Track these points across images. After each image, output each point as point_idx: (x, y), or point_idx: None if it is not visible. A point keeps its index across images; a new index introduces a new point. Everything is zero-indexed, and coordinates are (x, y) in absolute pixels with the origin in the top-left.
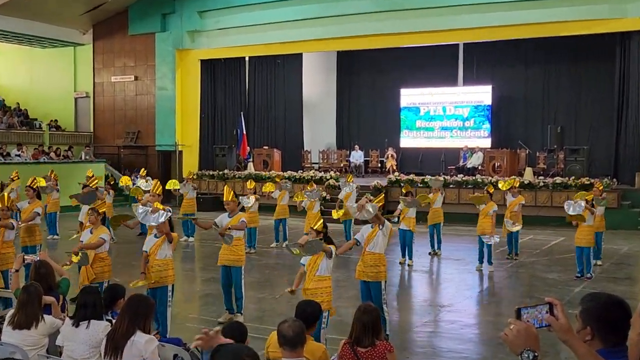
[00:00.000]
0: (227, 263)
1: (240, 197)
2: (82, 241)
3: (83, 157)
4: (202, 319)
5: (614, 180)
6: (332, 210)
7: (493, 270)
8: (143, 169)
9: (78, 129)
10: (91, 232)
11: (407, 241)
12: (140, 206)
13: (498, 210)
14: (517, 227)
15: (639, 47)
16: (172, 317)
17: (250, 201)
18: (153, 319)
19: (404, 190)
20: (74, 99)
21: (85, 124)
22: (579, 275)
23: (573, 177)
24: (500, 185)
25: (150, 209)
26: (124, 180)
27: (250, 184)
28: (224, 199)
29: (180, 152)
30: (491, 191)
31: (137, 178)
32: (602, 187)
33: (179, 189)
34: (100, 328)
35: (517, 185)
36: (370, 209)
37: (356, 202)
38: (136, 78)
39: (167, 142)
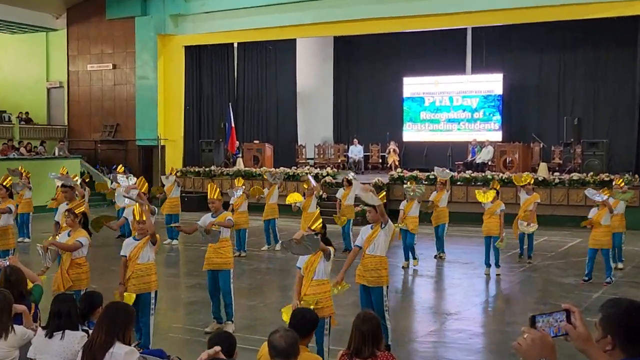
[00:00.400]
0: (214, 267)
1: (228, 190)
2: None
3: (57, 153)
4: (187, 329)
5: (636, 176)
6: (334, 216)
7: (500, 273)
8: (120, 165)
9: (51, 122)
10: (69, 235)
11: (408, 242)
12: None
13: (508, 210)
14: (533, 228)
15: None
16: (155, 327)
17: (238, 193)
18: (133, 329)
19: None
20: (47, 90)
21: (58, 117)
22: (587, 279)
23: (591, 173)
24: (514, 180)
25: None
26: (100, 187)
27: (238, 182)
28: (209, 197)
29: (163, 147)
30: (498, 188)
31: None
32: (623, 183)
33: (163, 192)
34: (75, 339)
35: (532, 182)
36: (376, 200)
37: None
38: (114, 66)
39: (148, 136)
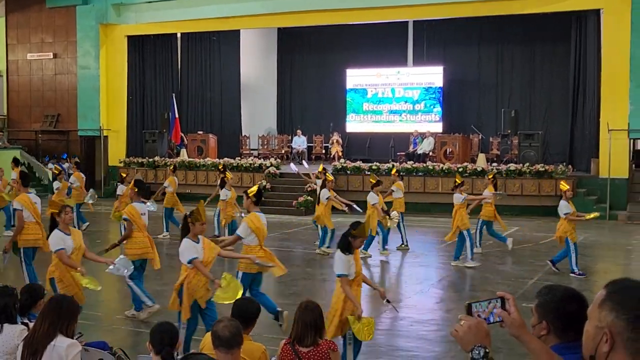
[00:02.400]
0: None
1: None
2: None
3: None
4: (130, 321)
5: (569, 166)
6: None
7: (456, 265)
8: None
9: None
10: None
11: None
12: None
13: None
14: (394, 222)
15: (595, 27)
16: (98, 320)
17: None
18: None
19: (372, 180)
20: None
21: None
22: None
23: (527, 164)
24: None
25: None
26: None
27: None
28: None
29: (106, 137)
30: (459, 181)
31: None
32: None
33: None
34: (15, 333)
35: (374, 181)
36: None
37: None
38: (55, 56)
39: (90, 126)
